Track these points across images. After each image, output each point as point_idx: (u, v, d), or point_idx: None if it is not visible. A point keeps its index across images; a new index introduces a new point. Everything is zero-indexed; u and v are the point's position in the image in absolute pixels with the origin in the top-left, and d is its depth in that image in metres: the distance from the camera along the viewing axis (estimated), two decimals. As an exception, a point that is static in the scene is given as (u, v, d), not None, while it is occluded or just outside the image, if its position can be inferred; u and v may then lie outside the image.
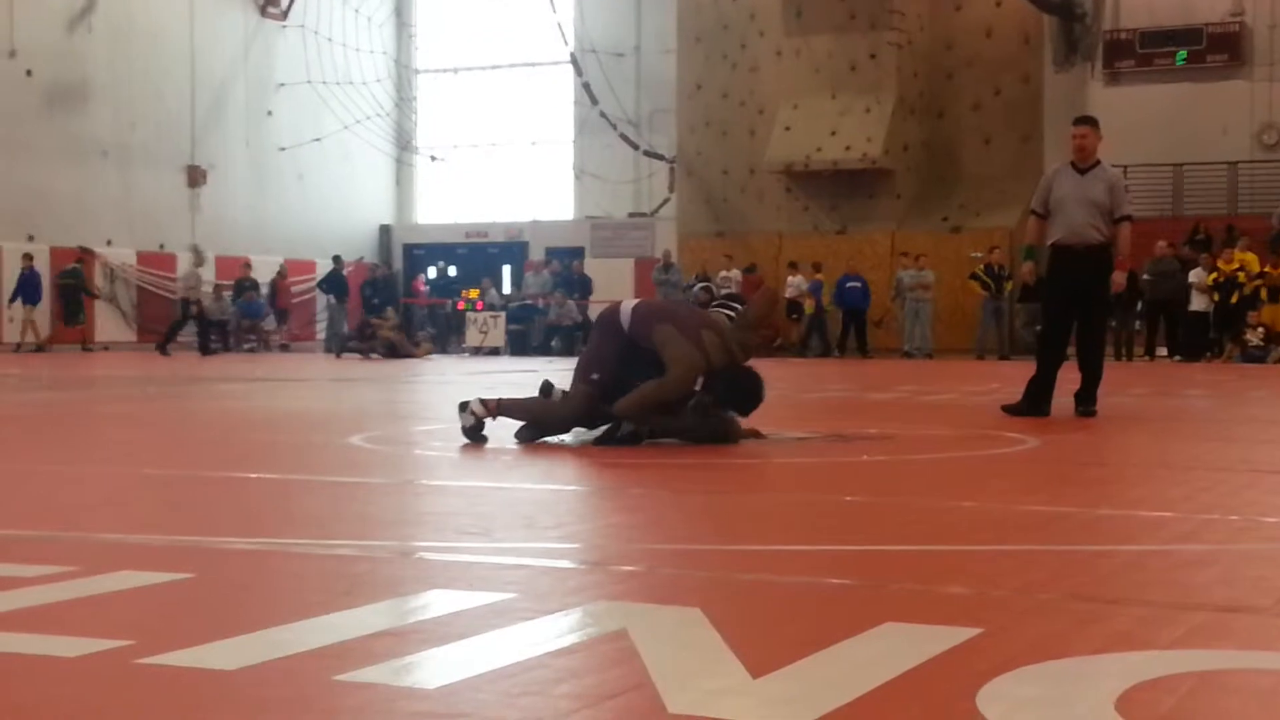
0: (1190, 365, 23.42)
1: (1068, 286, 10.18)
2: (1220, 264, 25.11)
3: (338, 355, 27.51)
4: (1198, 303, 25.12)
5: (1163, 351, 25.45)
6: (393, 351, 26.32)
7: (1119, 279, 10.25)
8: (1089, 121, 10.50)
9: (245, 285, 31.84)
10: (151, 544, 4.49)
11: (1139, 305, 25.49)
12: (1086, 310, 10.27)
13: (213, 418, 11.06)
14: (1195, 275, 25.15)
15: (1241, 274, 24.77)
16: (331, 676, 2.79)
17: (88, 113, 31.84)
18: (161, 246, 33.22)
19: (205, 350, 28.32)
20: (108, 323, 31.85)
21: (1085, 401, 10.28)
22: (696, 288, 29.30)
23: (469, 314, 31.11)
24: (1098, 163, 10.28)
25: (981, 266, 26.93)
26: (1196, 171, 31.19)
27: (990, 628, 3.22)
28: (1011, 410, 10.17)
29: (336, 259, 32.48)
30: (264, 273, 33.71)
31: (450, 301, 33.63)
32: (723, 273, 29.11)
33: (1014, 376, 16.72)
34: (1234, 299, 24.69)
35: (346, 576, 3.91)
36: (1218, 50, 31.26)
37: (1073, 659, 2.96)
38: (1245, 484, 6.30)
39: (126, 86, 32.52)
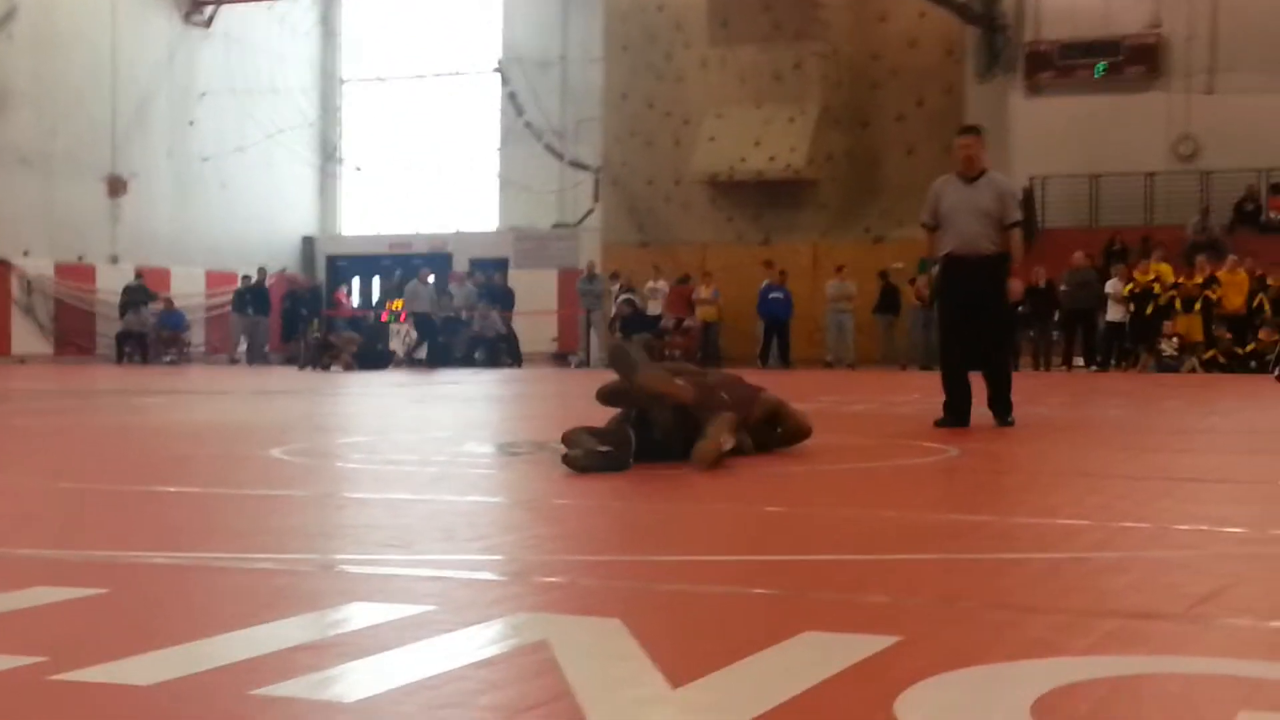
0: (1106, 375, 23.72)
1: (963, 298, 10.18)
2: (1136, 275, 25.46)
3: (301, 369, 27.21)
4: (1114, 313, 25.45)
5: (1079, 361, 25.75)
6: (365, 363, 26.40)
7: (1016, 287, 10.22)
8: (974, 131, 10.48)
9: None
10: (66, 559, 4.44)
11: (1055, 315, 25.78)
12: (985, 321, 10.23)
13: (131, 430, 10.94)
14: (1111, 286, 25.49)
15: (1157, 285, 25.14)
16: (249, 691, 2.77)
17: (7, 120, 31.41)
18: (81, 258, 32.82)
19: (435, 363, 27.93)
20: (25, 335, 31.41)
21: (1000, 413, 10.33)
22: (619, 299, 29.39)
23: (393, 325, 30.98)
24: (984, 171, 10.23)
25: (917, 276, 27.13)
26: (1114, 182, 31.61)
27: (908, 636, 3.25)
28: (940, 423, 10.20)
29: (261, 270, 32.27)
30: (184, 285, 33.39)
31: (373, 313, 33.45)
32: (649, 283, 29.15)
33: (935, 387, 16.89)
34: (1149, 310, 25.05)
35: (265, 590, 3.89)
36: (1136, 62, 31.68)
37: (990, 665, 3.00)
38: (1160, 492, 6.39)
39: (47, 94, 32.12)
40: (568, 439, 7.13)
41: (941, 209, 10.21)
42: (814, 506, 6.01)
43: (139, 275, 32.21)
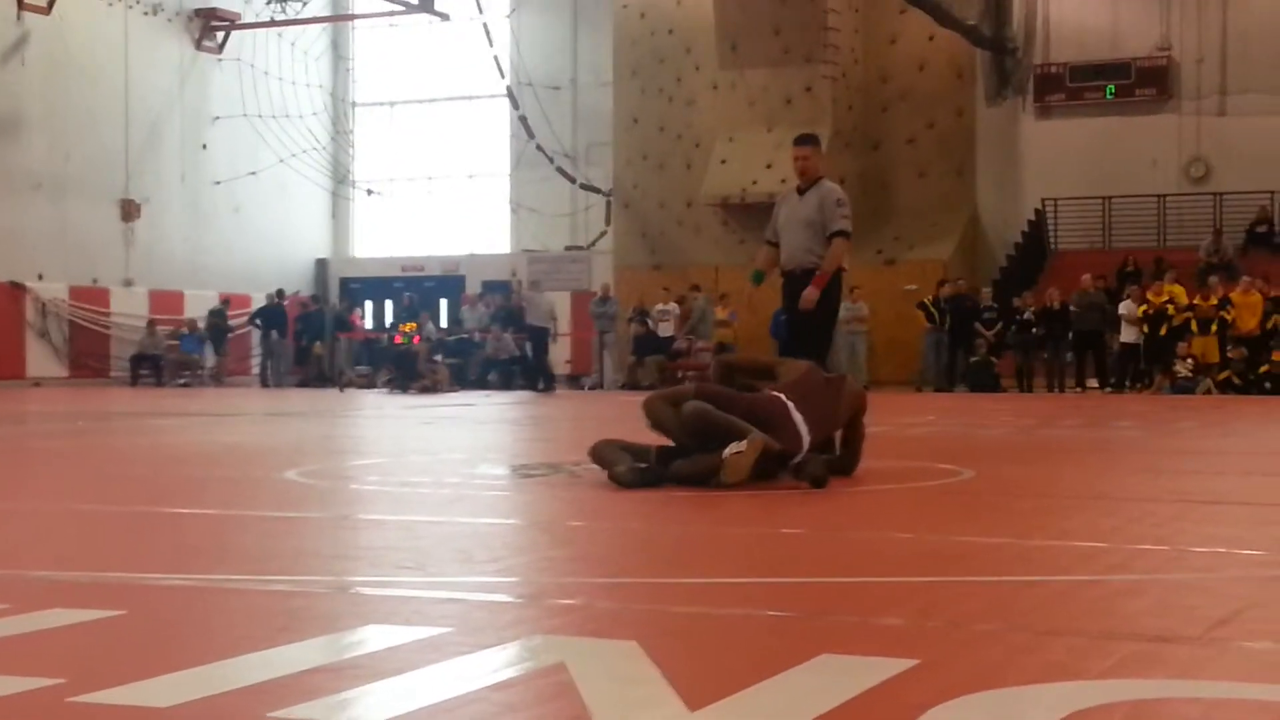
0: (1121, 396, 23.68)
1: (788, 315, 9.67)
2: (1150, 296, 25.43)
3: (341, 390, 27.35)
4: (1128, 334, 25.41)
5: (1093, 383, 25.70)
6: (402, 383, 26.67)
7: (809, 295, 9.34)
8: (810, 141, 9.85)
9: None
10: (83, 581, 4.44)
11: (1069, 336, 25.76)
12: (799, 338, 9.58)
13: (146, 453, 10.95)
14: (1125, 307, 25.45)
15: (1171, 306, 25.10)
16: (266, 713, 2.77)
17: (21, 145, 31.51)
18: (95, 280, 32.89)
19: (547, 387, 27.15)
20: (40, 358, 31.49)
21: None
22: (633, 322, 29.40)
23: (405, 348, 30.98)
24: (818, 181, 9.62)
25: (930, 297, 27.11)
26: (1125, 204, 31.59)
27: (926, 658, 3.24)
28: None
29: (280, 293, 32.31)
30: (198, 308, 33.46)
31: (386, 335, 33.47)
32: (659, 306, 29.18)
33: (951, 408, 16.91)
34: (1163, 331, 25.01)
35: (281, 612, 3.89)
36: (1146, 84, 31.70)
37: (1008, 689, 2.99)
38: (1175, 514, 6.37)
39: (61, 119, 32.22)
40: (597, 453, 7.54)
41: (778, 223, 9.73)
42: (830, 529, 6.01)
43: (225, 301, 32.87)
